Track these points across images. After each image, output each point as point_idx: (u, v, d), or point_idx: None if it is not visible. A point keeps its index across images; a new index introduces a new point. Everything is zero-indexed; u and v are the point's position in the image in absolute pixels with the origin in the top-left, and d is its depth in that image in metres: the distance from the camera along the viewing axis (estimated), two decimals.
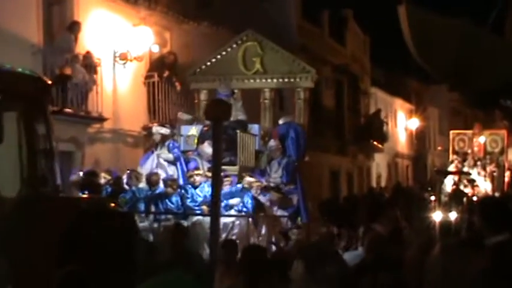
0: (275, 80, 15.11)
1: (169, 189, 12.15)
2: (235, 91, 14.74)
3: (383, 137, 31.00)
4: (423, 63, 7.44)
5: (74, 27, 14.62)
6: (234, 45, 15.31)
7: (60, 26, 14.97)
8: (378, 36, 31.14)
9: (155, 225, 11.76)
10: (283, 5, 23.43)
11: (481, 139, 26.80)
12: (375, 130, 29.84)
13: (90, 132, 15.26)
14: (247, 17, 18.62)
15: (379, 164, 32.83)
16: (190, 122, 14.69)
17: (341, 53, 27.95)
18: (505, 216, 4.89)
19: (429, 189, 23.86)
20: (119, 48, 16.11)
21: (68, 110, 14.18)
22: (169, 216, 11.88)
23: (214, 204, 5.04)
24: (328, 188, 26.12)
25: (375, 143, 30.08)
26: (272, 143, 13.95)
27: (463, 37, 6.93)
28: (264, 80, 15.14)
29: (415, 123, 37.48)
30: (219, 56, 15.39)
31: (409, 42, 6.92)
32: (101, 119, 15.27)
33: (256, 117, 14.88)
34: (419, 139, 38.86)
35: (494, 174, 25.50)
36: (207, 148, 12.87)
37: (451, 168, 25.51)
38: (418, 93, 39.03)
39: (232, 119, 12.86)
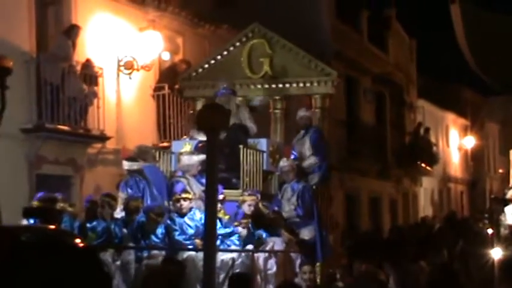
0: (287, 85, 14.39)
1: (152, 223, 11.17)
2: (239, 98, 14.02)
3: (432, 158, 30.76)
4: (480, 70, 7.35)
5: (71, 31, 14.69)
6: (238, 44, 14.65)
7: (56, 31, 15.06)
8: (426, 40, 31.06)
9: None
10: (315, 4, 23.43)
11: None
12: (422, 150, 29.62)
13: (90, 153, 15.29)
14: (274, 19, 18.53)
15: (427, 190, 32.57)
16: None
17: (382, 60, 27.86)
18: None
19: (486, 220, 23.55)
20: (123, 55, 16.19)
21: (64, 127, 14.23)
22: (154, 252, 10.97)
23: (209, 237, 4.80)
24: (367, 217, 25.94)
25: (423, 165, 29.86)
26: (284, 162, 13.14)
27: None
28: (273, 86, 14.44)
29: (470, 141, 37.19)
30: (219, 57, 14.73)
31: (464, 46, 6.83)
32: (102, 138, 15.30)
33: (265, 131, 14.21)
34: (476, 160, 38.52)
35: None
36: (188, 160, 12.15)
37: (509, 194, 25.17)
38: (474, 106, 38.74)
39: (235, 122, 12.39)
